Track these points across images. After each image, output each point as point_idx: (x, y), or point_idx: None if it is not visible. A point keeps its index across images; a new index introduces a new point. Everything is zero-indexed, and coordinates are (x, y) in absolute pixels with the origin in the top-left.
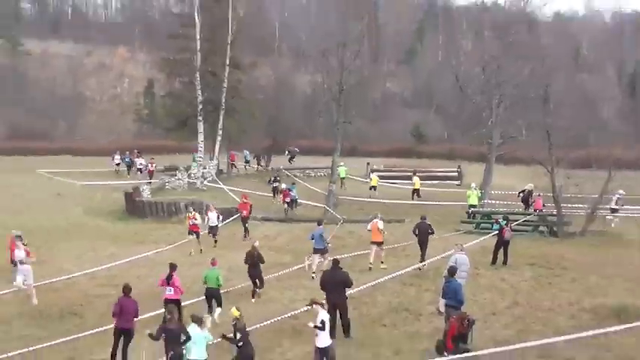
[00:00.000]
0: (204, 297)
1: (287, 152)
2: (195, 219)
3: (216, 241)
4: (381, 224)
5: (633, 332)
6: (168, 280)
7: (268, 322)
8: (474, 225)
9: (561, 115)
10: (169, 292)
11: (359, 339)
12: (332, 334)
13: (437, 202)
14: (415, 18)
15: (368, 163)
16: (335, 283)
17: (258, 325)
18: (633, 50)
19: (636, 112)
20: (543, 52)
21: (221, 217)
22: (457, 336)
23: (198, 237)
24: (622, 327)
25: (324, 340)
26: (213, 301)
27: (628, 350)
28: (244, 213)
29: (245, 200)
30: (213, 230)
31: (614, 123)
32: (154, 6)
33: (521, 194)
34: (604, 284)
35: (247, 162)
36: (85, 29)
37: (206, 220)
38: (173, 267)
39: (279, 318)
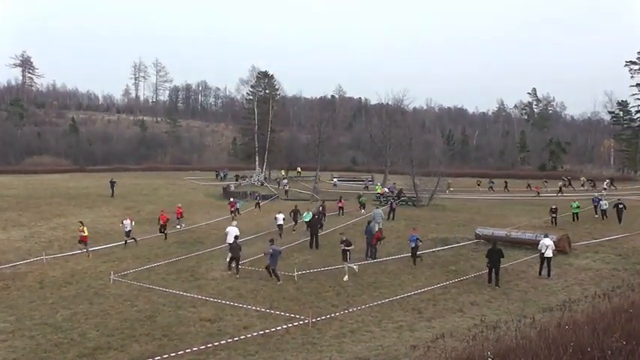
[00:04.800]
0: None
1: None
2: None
3: (260, 208)
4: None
5: (452, 250)
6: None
7: (288, 245)
8: (380, 202)
9: (416, 153)
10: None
11: (324, 252)
12: (311, 246)
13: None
14: (352, 110)
15: (332, 174)
16: (314, 223)
17: (283, 247)
18: (448, 124)
19: (449, 152)
20: (408, 125)
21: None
22: (373, 247)
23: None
24: (446, 247)
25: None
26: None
27: (449, 258)
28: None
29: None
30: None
31: (440, 157)
32: (236, 103)
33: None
34: (435, 227)
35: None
36: (205, 114)
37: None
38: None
39: (291, 244)
